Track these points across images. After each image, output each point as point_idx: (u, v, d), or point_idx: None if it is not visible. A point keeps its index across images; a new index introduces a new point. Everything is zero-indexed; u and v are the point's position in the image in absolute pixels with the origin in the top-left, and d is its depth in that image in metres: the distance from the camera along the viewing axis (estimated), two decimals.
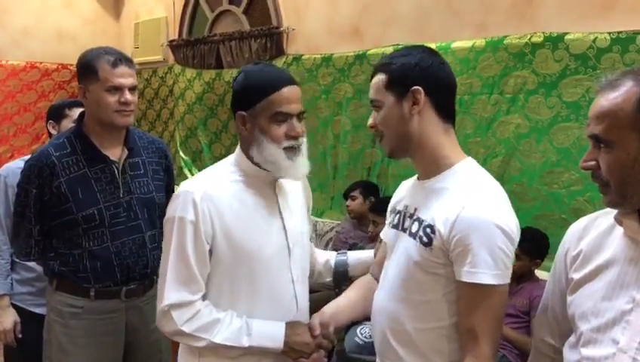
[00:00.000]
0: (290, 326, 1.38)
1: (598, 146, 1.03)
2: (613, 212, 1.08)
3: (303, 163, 1.39)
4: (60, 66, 5.37)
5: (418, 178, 1.36)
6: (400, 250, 1.31)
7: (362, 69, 3.43)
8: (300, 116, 1.38)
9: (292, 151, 1.36)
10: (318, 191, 3.91)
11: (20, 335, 2.19)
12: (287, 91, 1.35)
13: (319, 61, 3.71)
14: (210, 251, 1.35)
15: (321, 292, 3.10)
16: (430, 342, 1.25)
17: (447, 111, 1.29)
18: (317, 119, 3.80)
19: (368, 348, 2.60)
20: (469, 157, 1.30)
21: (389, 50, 3.23)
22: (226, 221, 1.35)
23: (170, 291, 1.34)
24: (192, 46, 4.71)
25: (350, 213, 3.34)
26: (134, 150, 1.90)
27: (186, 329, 1.33)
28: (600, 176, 1.03)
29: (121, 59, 1.78)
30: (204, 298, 1.37)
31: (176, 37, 4.94)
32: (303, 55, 3.85)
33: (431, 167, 1.28)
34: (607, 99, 1.01)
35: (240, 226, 1.36)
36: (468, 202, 1.18)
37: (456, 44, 2.94)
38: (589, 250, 1.10)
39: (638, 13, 2.37)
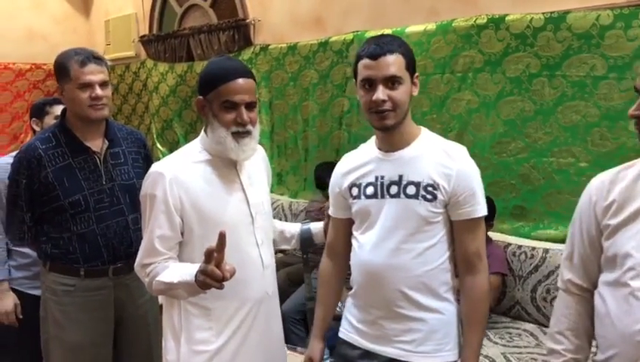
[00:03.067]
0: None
1: None
2: (634, 165, 1.32)
3: (248, 146, 1.57)
4: (33, 66, 5.44)
5: (383, 151, 1.57)
6: (392, 213, 1.52)
7: (325, 56, 3.63)
8: (250, 106, 1.55)
9: (239, 135, 1.55)
10: (291, 174, 4.12)
11: (20, 316, 2.37)
12: (237, 83, 1.52)
13: (285, 50, 3.90)
14: (183, 221, 1.55)
15: (296, 265, 3.32)
16: (436, 277, 1.53)
17: None
18: (286, 105, 4.00)
19: None
20: (421, 126, 1.61)
21: (350, 37, 3.46)
22: (193, 195, 1.54)
23: (138, 255, 1.60)
24: (163, 40, 4.86)
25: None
26: (114, 141, 2.07)
27: (146, 279, 1.57)
28: None
29: (90, 57, 1.94)
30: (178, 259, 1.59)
31: (147, 32, 5.08)
32: (269, 45, 4.03)
33: (406, 138, 1.55)
34: None
35: (205, 199, 1.56)
36: (457, 159, 1.51)
37: (410, 29, 3.15)
38: (622, 199, 1.29)
39: None
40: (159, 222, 1.54)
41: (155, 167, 1.58)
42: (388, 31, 3.23)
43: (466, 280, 1.55)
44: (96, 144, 2.03)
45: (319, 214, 3.50)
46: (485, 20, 2.83)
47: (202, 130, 1.65)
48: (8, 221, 2.09)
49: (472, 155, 1.57)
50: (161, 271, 1.53)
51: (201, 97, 1.58)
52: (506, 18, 2.76)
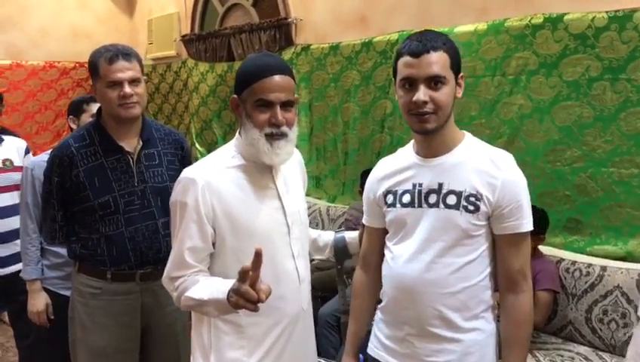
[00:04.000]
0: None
1: None
2: None
3: (283, 149, 1.43)
4: (77, 65, 5.53)
5: (422, 156, 1.46)
6: (430, 223, 1.41)
7: (369, 57, 3.50)
8: (286, 105, 1.42)
9: (272, 137, 1.41)
10: (329, 178, 4.01)
11: (52, 317, 2.34)
12: (273, 80, 1.39)
13: (327, 50, 3.79)
14: (215, 231, 1.43)
15: (328, 271, 3.20)
16: (475, 295, 1.42)
17: None
18: (326, 107, 3.89)
19: None
20: (465, 131, 1.49)
21: (395, 37, 3.33)
22: (226, 203, 1.42)
23: (167, 267, 1.48)
24: (204, 40, 4.82)
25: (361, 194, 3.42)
26: (150, 141, 1.99)
27: (175, 293, 1.45)
28: None
29: (119, 54, 1.85)
30: (210, 272, 1.47)
31: (189, 32, 5.06)
32: (311, 45, 3.93)
33: (447, 143, 1.43)
34: None
35: (239, 207, 1.43)
36: (503, 167, 1.39)
37: (459, 29, 3.00)
38: None
39: None
40: (190, 233, 1.42)
41: (186, 173, 1.47)
42: None
43: (508, 300, 1.43)
44: (131, 144, 1.95)
45: (359, 226, 3.38)
46: (541, 20, 2.66)
47: (237, 132, 1.54)
48: (42, 219, 2.06)
49: (523, 163, 1.44)
50: (191, 285, 1.42)
51: (235, 96, 1.47)
52: (565, 17, 2.57)
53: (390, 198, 1.50)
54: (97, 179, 1.90)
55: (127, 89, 1.85)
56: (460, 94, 1.42)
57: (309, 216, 3.86)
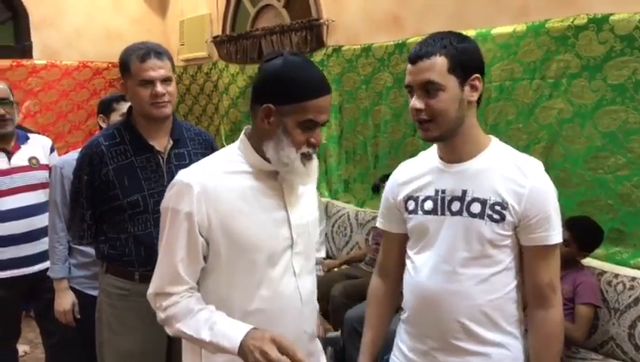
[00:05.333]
0: (254, 331, 1.21)
1: None
2: None
3: (314, 168, 1.33)
4: (109, 65, 5.56)
5: (445, 161, 1.39)
6: (453, 232, 1.35)
7: (402, 58, 3.42)
8: (324, 125, 1.32)
9: (307, 157, 1.30)
10: (359, 182, 3.94)
11: (78, 316, 2.32)
12: (324, 100, 1.27)
13: (359, 52, 3.73)
14: (208, 243, 1.29)
15: (361, 280, 3.13)
16: (500, 309, 1.35)
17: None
18: (357, 109, 3.82)
19: None
20: (491, 135, 1.41)
21: None
22: (224, 213, 1.28)
23: (155, 281, 1.34)
24: (235, 41, 4.81)
25: None
26: (180, 141, 1.96)
27: (162, 314, 1.31)
28: None
29: (151, 52, 1.81)
30: (200, 288, 1.34)
31: (220, 33, 5.06)
32: (342, 46, 3.87)
33: (470, 148, 1.36)
34: None
35: (239, 219, 1.29)
36: (531, 175, 1.31)
37: (497, 30, 2.90)
38: None
39: None
40: (181, 243, 1.27)
41: (181, 176, 1.31)
42: (472, 32, 2.99)
43: (537, 314, 1.36)
44: (161, 143, 1.93)
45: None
46: (585, 21, 2.54)
47: (243, 136, 1.37)
48: (70, 218, 2.03)
49: (563, 170, 1.36)
50: (184, 316, 1.27)
51: (270, 105, 1.26)
52: (610, 18, 2.46)
53: (411, 205, 1.43)
54: (127, 177, 1.87)
55: (159, 88, 1.82)
56: (474, 97, 1.32)
57: (337, 220, 3.84)
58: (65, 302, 2.30)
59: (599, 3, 2.53)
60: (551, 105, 2.72)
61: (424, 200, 1.40)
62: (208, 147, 2.05)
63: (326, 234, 3.98)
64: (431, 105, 1.29)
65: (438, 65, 1.27)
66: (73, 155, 2.28)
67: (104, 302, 1.96)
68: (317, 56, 4.01)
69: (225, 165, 1.34)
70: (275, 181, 1.35)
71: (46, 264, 2.46)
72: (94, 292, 2.22)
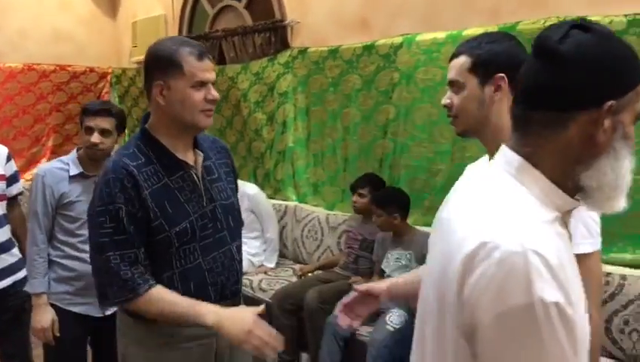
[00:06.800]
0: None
1: None
2: None
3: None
4: (57, 67, 5.30)
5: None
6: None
7: (371, 60, 3.41)
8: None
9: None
10: (328, 185, 3.90)
11: (58, 334, 2.14)
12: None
13: (326, 53, 3.68)
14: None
15: (335, 283, 3.09)
16: None
17: None
18: (325, 112, 3.78)
19: (399, 335, 2.59)
20: None
21: (399, 40, 3.24)
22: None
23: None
24: None
25: (355, 208, 3.29)
26: (205, 153, 1.66)
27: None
28: None
29: (205, 51, 1.56)
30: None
31: (177, 34, 4.90)
32: (308, 48, 3.82)
33: (497, 146, 1.33)
34: None
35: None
36: None
37: (468, 32, 2.92)
38: None
39: None
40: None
41: (502, 244, 0.79)
42: (442, 34, 3.01)
43: None
44: (189, 157, 1.61)
45: (359, 236, 3.27)
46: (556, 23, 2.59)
47: (524, 166, 0.87)
48: (105, 275, 1.50)
49: None
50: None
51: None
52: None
53: None
54: (168, 203, 1.53)
55: (215, 92, 1.55)
56: (497, 96, 1.31)
57: (306, 224, 3.78)
58: (44, 319, 2.12)
59: (571, 5, 2.59)
60: None
61: None
62: (227, 155, 1.78)
63: (295, 238, 3.91)
64: (454, 103, 1.35)
65: (459, 64, 1.33)
66: (56, 164, 2.16)
67: (137, 356, 1.60)
68: (282, 58, 3.94)
69: (535, 214, 0.84)
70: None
71: (6, 281, 2.30)
72: (76, 309, 2.10)
